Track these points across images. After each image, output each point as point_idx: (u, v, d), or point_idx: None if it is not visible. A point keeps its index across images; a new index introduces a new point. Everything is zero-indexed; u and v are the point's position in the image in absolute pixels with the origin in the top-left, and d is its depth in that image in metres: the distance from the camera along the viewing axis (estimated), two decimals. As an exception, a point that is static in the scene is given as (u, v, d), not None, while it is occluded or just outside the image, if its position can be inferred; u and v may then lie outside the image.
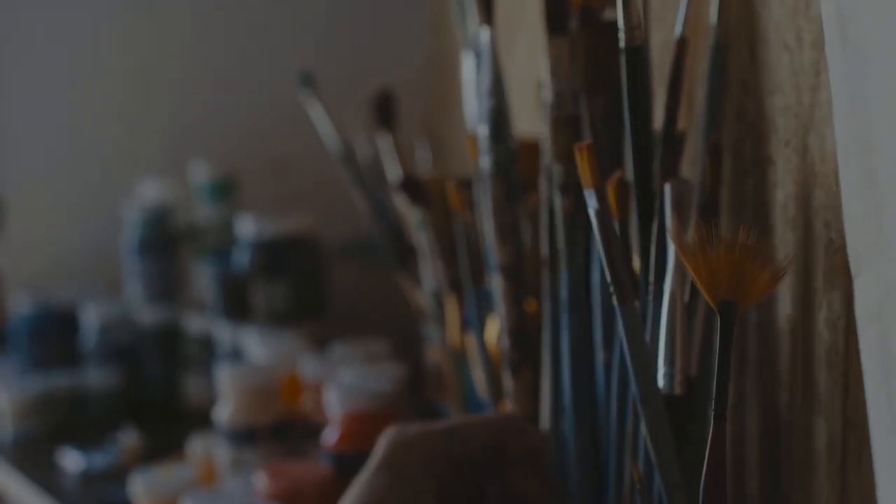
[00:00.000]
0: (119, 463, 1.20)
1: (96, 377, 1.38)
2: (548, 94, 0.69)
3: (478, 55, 0.86)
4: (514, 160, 0.74)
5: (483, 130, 0.75)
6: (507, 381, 0.74)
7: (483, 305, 0.80)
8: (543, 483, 0.62)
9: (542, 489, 0.62)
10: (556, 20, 0.68)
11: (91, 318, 1.40)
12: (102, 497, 1.15)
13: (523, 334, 0.73)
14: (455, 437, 0.62)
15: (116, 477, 1.16)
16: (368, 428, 0.93)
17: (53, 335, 1.42)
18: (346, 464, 0.93)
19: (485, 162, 0.75)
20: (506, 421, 0.65)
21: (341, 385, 0.99)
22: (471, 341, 0.81)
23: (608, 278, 0.54)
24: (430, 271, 0.93)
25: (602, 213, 0.53)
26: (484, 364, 0.78)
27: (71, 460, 1.22)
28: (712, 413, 0.48)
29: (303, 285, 1.33)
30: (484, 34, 0.75)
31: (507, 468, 0.63)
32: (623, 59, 0.60)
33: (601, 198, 0.54)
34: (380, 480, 0.61)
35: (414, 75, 1.45)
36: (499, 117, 0.74)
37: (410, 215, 0.97)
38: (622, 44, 0.60)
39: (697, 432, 0.55)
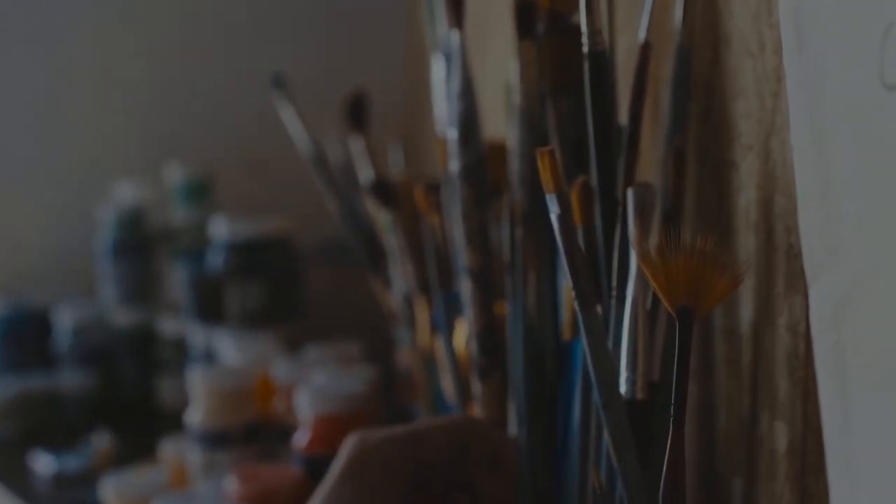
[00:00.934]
0: (91, 466, 1.19)
1: (70, 379, 1.38)
2: (516, 98, 0.69)
3: (448, 58, 0.86)
4: (482, 164, 0.74)
5: (452, 134, 0.75)
6: (476, 386, 0.74)
7: (451, 309, 0.80)
8: (509, 486, 0.62)
9: (507, 492, 0.62)
10: (525, 24, 0.68)
11: (65, 320, 1.39)
12: (74, 500, 1.15)
13: (492, 338, 0.73)
14: (418, 442, 0.62)
15: (89, 480, 1.15)
16: (340, 430, 0.92)
17: (27, 337, 1.41)
18: (318, 466, 0.93)
19: (453, 165, 0.75)
20: (469, 424, 0.65)
21: (312, 387, 0.98)
22: (439, 345, 0.81)
23: (570, 284, 0.54)
24: (400, 274, 0.93)
25: (564, 218, 0.53)
26: (452, 368, 0.78)
27: (43, 463, 1.21)
28: (671, 419, 0.48)
29: (277, 287, 1.33)
30: (454, 37, 0.75)
31: (471, 471, 0.62)
32: (586, 64, 0.61)
33: (563, 203, 0.54)
34: (343, 491, 0.60)
35: (389, 77, 1.45)
36: (468, 121, 0.74)
37: (382, 218, 0.97)
38: (585, 48, 0.61)
39: (660, 437, 0.55)
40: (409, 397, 1.09)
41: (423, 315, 0.89)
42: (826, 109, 0.45)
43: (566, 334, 0.67)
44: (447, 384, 0.80)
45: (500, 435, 0.66)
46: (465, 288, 0.75)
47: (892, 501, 0.42)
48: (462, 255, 0.75)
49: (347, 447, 0.62)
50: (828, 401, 0.45)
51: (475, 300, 0.74)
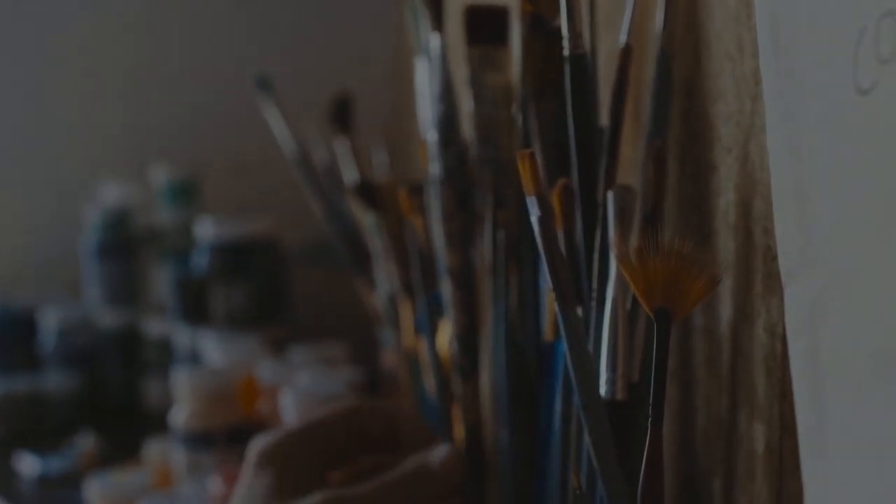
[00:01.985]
0: (76, 467, 1.20)
1: (55, 380, 1.38)
2: (470, 103, 0.70)
3: (430, 60, 0.86)
4: (463, 166, 0.74)
5: (433, 136, 0.75)
6: (458, 387, 0.75)
7: (434, 310, 0.81)
8: (405, 449, 0.64)
9: (414, 462, 0.64)
10: (473, 29, 0.69)
11: (50, 321, 1.39)
12: (58, 501, 1.15)
13: (474, 340, 0.74)
14: (315, 435, 0.64)
15: (73, 482, 1.15)
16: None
17: (11, 338, 1.41)
18: (301, 468, 0.93)
19: (434, 168, 0.75)
20: (360, 406, 0.67)
21: (297, 389, 0.99)
22: (423, 345, 0.82)
23: (550, 285, 0.54)
24: (385, 275, 0.93)
25: (544, 220, 0.54)
26: (434, 369, 0.78)
27: (27, 464, 1.21)
28: (649, 419, 0.48)
29: (262, 289, 1.33)
30: (434, 41, 0.76)
31: (372, 448, 0.65)
32: (567, 67, 0.61)
33: (543, 205, 0.54)
34: (258, 482, 0.62)
35: (375, 80, 1.46)
36: (448, 123, 0.74)
37: (366, 219, 0.97)
38: (566, 52, 0.61)
39: (640, 438, 0.55)
40: (393, 398, 1.09)
41: (406, 316, 0.89)
42: (801, 114, 0.45)
43: (548, 335, 0.68)
44: (430, 385, 0.80)
45: (392, 408, 0.67)
46: (447, 289, 0.75)
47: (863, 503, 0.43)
48: (443, 257, 0.75)
49: (250, 450, 0.65)
50: (802, 403, 0.46)
51: (456, 301, 0.74)
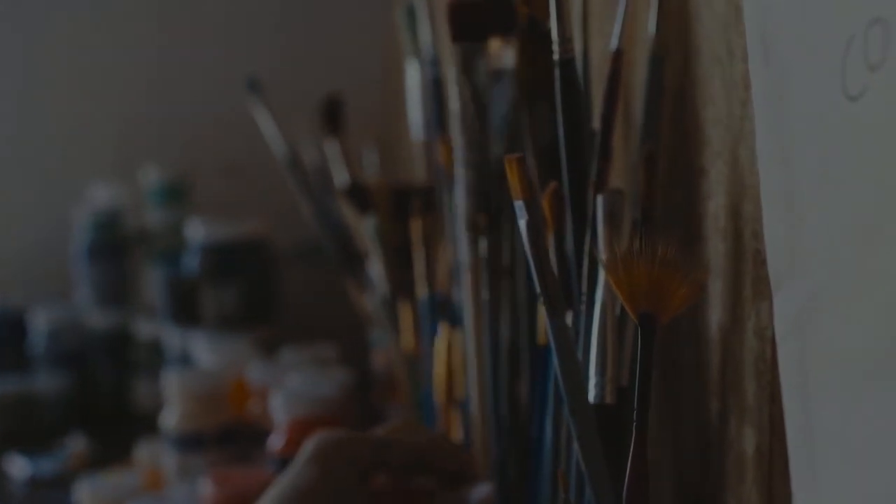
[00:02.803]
0: (66, 468, 1.20)
1: (45, 382, 1.38)
2: (455, 104, 0.70)
3: (432, 63, 0.86)
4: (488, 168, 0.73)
5: (458, 139, 0.75)
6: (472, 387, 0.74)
7: (437, 311, 0.81)
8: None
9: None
10: (458, 26, 0.69)
11: (40, 322, 1.39)
12: (49, 503, 1.15)
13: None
14: (384, 449, 0.63)
15: (64, 483, 1.15)
16: (314, 433, 0.93)
17: (1, 339, 1.41)
18: (292, 470, 0.93)
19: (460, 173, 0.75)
20: (438, 440, 0.65)
21: (288, 390, 0.99)
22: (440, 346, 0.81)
23: (538, 290, 0.54)
24: (379, 276, 0.94)
25: (532, 225, 0.54)
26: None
27: (18, 466, 1.21)
28: (634, 423, 0.49)
29: (252, 290, 1.33)
30: (456, 51, 0.75)
31: (433, 481, 0.64)
32: (557, 71, 0.61)
33: (532, 210, 0.54)
34: (305, 473, 0.61)
35: (365, 82, 1.46)
36: (474, 128, 0.74)
37: (357, 221, 0.97)
38: (556, 56, 0.61)
39: (630, 441, 0.56)
40: (385, 399, 1.09)
41: (406, 317, 0.89)
42: (790, 119, 0.46)
43: (541, 339, 0.68)
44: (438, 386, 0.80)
45: (467, 456, 0.66)
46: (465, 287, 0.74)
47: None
48: (462, 256, 0.75)
49: (314, 439, 0.63)
50: (791, 406, 0.46)
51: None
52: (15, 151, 1.51)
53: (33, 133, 1.51)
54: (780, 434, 0.54)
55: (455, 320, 0.77)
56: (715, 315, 0.61)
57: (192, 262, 1.32)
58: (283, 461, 0.98)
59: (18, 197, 1.51)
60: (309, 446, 0.63)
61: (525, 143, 0.68)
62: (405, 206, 0.88)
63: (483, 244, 0.69)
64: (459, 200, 0.71)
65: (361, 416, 1.03)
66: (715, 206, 0.61)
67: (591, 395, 0.56)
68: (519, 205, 0.54)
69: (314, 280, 1.43)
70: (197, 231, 1.32)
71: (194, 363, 1.25)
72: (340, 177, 1.00)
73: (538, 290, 0.54)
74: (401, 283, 0.91)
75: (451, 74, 0.75)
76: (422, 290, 0.85)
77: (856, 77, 0.41)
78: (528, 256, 0.54)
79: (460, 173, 0.70)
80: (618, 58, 0.63)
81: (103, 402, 1.39)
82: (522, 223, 0.54)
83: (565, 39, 0.61)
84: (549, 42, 0.63)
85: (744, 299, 0.58)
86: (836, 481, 0.43)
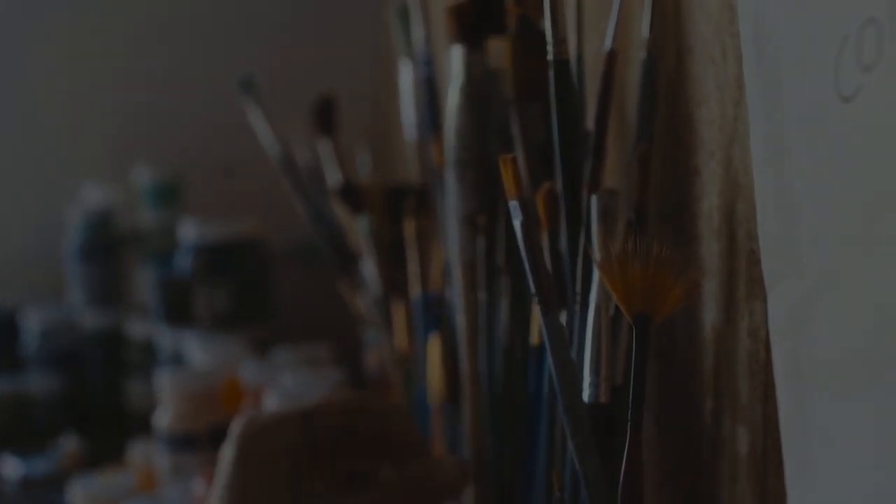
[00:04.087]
0: (59, 469, 1.20)
1: (38, 382, 1.38)
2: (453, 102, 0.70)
3: (425, 63, 0.86)
4: (483, 168, 0.73)
5: (450, 141, 0.75)
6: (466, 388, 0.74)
7: (431, 310, 0.81)
8: (396, 464, 0.61)
9: (394, 471, 0.61)
10: (462, 27, 0.69)
11: (33, 322, 1.39)
12: (42, 504, 1.15)
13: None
14: (310, 422, 0.60)
15: (57, 483, 1.15)
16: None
17: (-6, 340, 1.41)
18: (285, 470, 0.93)
19: (450, 172, 0.75)
20: (358, 401, 0.63)
21: (281, 390, 0.99)
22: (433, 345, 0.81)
23: (532, 289, 0.54)
24: (373, 276, 0.94)
25: (527, 224, 0.54)
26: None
27: (10, 466, 1.21)
28: (629, 422, 0.49)
29: (245, 290, 1.33)
30: (455, 52, 0.75)
31: (362, 453, 0.61)
32: (551, 72, 0.61)
33: (526, 209, 0.54)
34: (236, 479, 0.58)
35: (358, 81, 1.46)
36: (468, 130, 0.74)
37: (351, 221, 0.97)
38: (550, 56, 0.61)
39: (624, 441, 0.56)
40: (385, 398, 1.09)
41: (399, 317, 0.89)
42: (784, 120, 0.46)
43: (534, 339, 0.68)
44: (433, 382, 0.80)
45: (393, 409, 0.65)
46: (458, 287, 0.74)
47: (849, 504, 0.43)
48: (455, 257, 0.75)
49: (235, 430, 0.60)
50: (785, 406, 0.46)
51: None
52: (7, 151, 1.51)
53: (26, 133, 1.51)
54: (773, 433, 0.54)
55: (448, 320, 0.77)
56: (709, 315, 0.61)
57: (184, 262, 1.32)
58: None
59: (11, 197, 1.51)
60: (232, 439, 0.60)
61: (517, 143, 0.68)
62: (398, 206, 0.88)
63: (481, 243, 0.69)
64: (458, 200, 0.71)
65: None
66: (708, 206, 0.61)
67: (586, 395, 0.57)
68: (513, 204, 0.54)
69: (307, 280, 1.43)
70: (190, 231, 1.32)
71: (187, 363, 1.25)
72: (333, 176, 1.00)
73: (533, 289, 0.54)
74: (394, 283, 0.91)
75: (445, 74, 0.75)
76: (415, 290, 0.85)
77: (849, 78, 0.41)
78: (522, 256, 0.55)
79: (459, 173, 0.70)
80: (611, 58, 0.63)
81: (96, 403, 1.39)
82: (517, 223, 0.54)
83: (559, 40, 0.61)
84: (543, 42, 0.63)
85: (737, 299, 0.58)
86: (829, 481, 0.43)
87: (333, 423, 0.61)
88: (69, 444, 1.22)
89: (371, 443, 0.62)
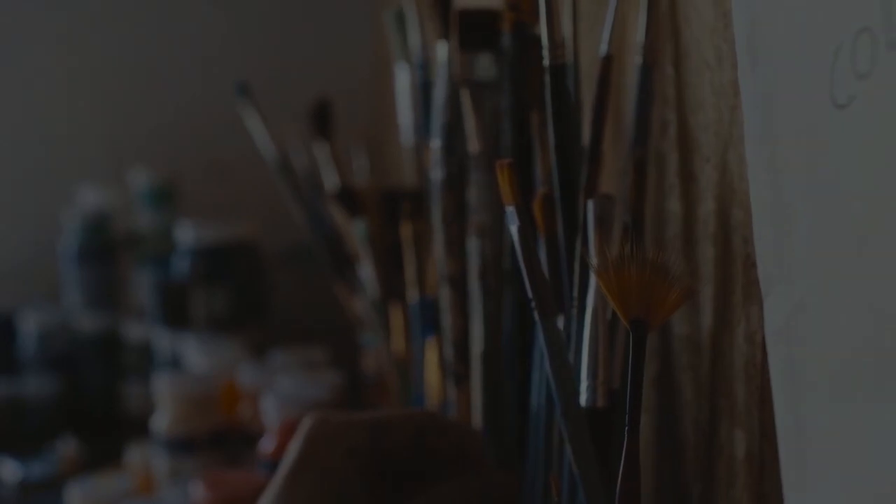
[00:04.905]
0: (57, 472, 1.20)
1: (35, 385, 1.38)
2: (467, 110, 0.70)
3: (422, 66, 0.87)
4: (464, 173, 0.74)
5: (436, 143, 0.75)
6: (451, 392, 0.75)
7: (428, 314, 0.81)
8: (463, 482, 0.60)
9: (460, 489, 0.59)
10: (467, 37, 0.69)
11: (29, 325, 1.39)
12: (39, 507, 1.15)
13: (469, 346, 0.74)
14: (379, 430, 0.58)
15: (54, 486, 1.15)
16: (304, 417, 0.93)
17: (-9, 343, 1.41)
18: (283, 473, 0.94)
19: (436, 174, 0.75)
20: (429, 417, 0.62)
21: (278, 393, 0.99)
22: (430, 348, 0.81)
23: (529, 294, 0.55)
24: (370, 279, 0.94)
25: (523, 230, 0.54)
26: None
27: (7, 470, 1.21)
28: (626, 426, 0.49)
29: (243, 292, 1.33)
30: (441, 48, 0.75)
31: (430, 462, 0.60)
32: (547, 77, 0.61)
33: (522, 215, 0.55)
34: (303, 479, 0.57)
35: (354, 85, 1.46)
36: (452, 130, 0.74)
37: (348, 224, 0.98)
38: (546, 61, 0.61)
39: (621, 445, 0.56)
40: (376, 402, 1.10)
41: (397, 321, 0.89)
42: (779, 126, 0.46)
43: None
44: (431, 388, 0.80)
45: (462, 427, 0.64)
46: (444, 295, 0.75)
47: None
48: (441, 263, 0.75)
49: (305, 429, 0.58)
50: (781, 410, 0.46)
51: (454, 307, 0.74)
52: (3, 154, 1.51)
53: (21, 135, 1.51)
54: (770, 438, 0.54)
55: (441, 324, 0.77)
56: (705, 320, 0.61)
57: (181, 265, 1.32)
58: (275, 464, 0.98)
59: (7, 199, 1.51)
60: (299, 441, 0.58)
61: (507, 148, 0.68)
62: (395, 210, 0.89)
63: (486, 247, 0.69)
64: (472, 202, 0.71)
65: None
66: (704, 211, 0.61)
67: (583, 399, 0.57)
68: (510, 210, 0.55)
69: (304, 283, 1.43)
70: (186, 234, 1.32)
71: (184, 366, 1.25)
72: (330, 180, 1.00)
73: (530, 294, 0.55)
74: (391, 287, 0.91)
75: (442, 78, 0.75)
76: (412, 294, 0.85)
77: (844, 85, 0.41)
78: (519, 261, 0.55)
79: (473, 177, 0.70)
80: (607, 63, 0.64)
81: (93, 405, 1.39)
82: (514, 228, 0.55)
83: (556, 45, 0.61)
84: (538, 47, 0.63)
85: (733, 304, 0.58)
86: (826, 485, 0.44)
87: (403, 437, 0.59)
88: (66, 448, 1.22)
89: (439, 462, 0.60)
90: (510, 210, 0.55)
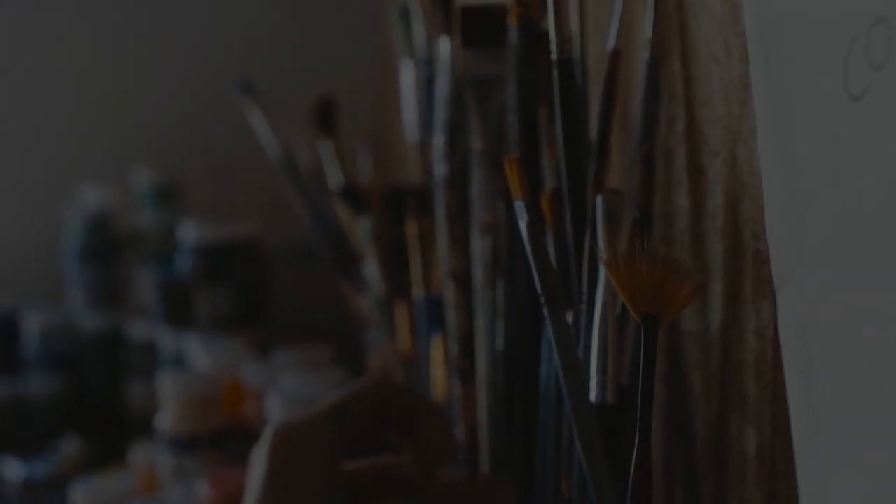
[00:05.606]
0: (60, 471, 1.19)
1: (38, 385, 1.37)
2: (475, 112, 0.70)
3: (426, 63, 0.86)
4: (468, 170, 0.74)
5: (440, 139, 0.75)
6: (456, 389, 0.74)
7: (434, 311, 0.81)
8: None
9: (432, 440, 0.58)
10: (472, 34, 0.69)
11: (32, 324, 1.39)
12: (43, 506, 1.15)
13: (474, 343, 0.73)
14: (340, 417, 0.56)
15: (57, 486, 1.15)
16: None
17: (-6, 342, 1.41)
18: (288, 471, 0.93)
19: (440, 170, 0.75)
20: (384, 385, 0.59)
21: (282, 392, 0.99)
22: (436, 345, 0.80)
23: (538, 289, 0.54)
24: (375, 278, 0.93)
25: (532, 225, 0.54)
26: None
27: (11, 469, 1.21)
28: (637, 425, 0.49)
29: (246, 291, 1.33)
30: (443, 44, 0.75)
31: (393, 432, 0.58)
32: (555, 72, 0.61)
33: (531, 210, 0.54)
34: (277, 481, 0.54)
35: (358, 82, 1.46)
36: (456, 127, 0.74)
37: (352, 222, 0.97)
38: (554, 56, 0.61)
39: (630, 441, 0.56)
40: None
41: (402, 319, 0.89)
42: (793, 119, 0.46)
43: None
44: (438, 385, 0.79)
45: (415, 395, 0.63)
46: (449, 292, 0.75)
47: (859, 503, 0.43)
48: (445, 260, 0.75)
49: (266, 440, 0.56)
50: (796, 406, 0.46)
51: (458, 304, 0.74)
52: (5, 153, 1.51)
53: (25, 135, 1.51)
54: (781, 434, 0.54)
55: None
56: (715, 315, 0.61)
57: (184, 264, 1.32)
58: (279, 463, 0.97)
59: (9, 199, 1.51)
60: (265, 451, 0.56)
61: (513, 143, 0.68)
62: (400, 207, 0.88)
63: (490, 243, 0.69)
64: (474, 198, 0.70)
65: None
66: (713, 205, 0.61)
67: (593, 395, 0.56)
68: (519, 205, 0.54)
69: (308, 281, 1.43)
70: (189, 233, 1.32)
71: (188, 365, 1.25)
72: (334, 178, 1.00)
73: (539, 289, 0.54)
74: (396, 285, 0.91)
75: (444, 74, 0.75)
76: (418, 292, 0.85)
77: (858, 77, 0.41)
78: (528, 256, 0.54)
79: (476, 174, 0.70)
80: (615, 58, 0.63)
81: (96, 405, 1.39)
82: (522, 223, 0.54)
83: (563, 39, 0.61)
84: (545, 42, 0.63)
85: (744, 299, 0.58)
86: (843, 481, 0.43)
87: (367, 409, 0.57)
88: (70, 447, 1.22)
89: (398, 428, 0.58)
90: (519, 205, 0.54)
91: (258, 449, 0.56)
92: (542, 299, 0.55)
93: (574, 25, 0.65)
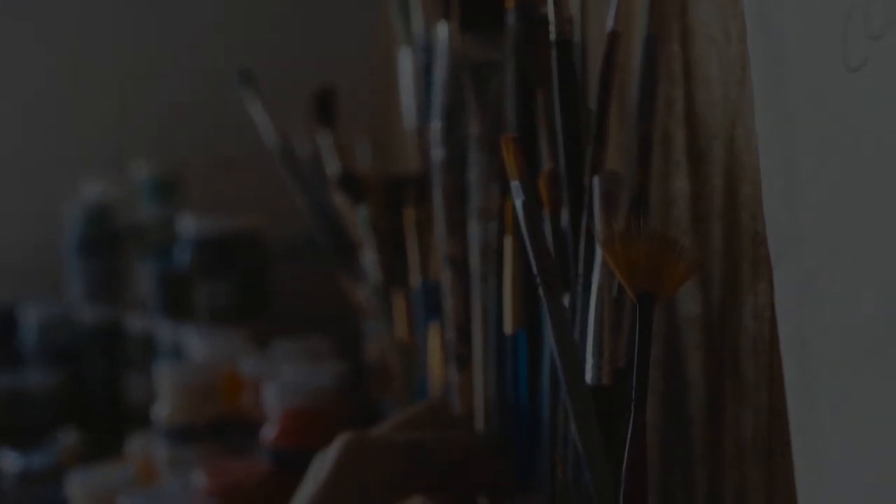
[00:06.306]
0: (58, 463, 1.19)
1: (36, 377, 1.37)
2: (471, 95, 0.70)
3: (426, 49, 0.86)
4: (466, 154, 0.73)
5: (437, 124, 0.74)
6: (453, 376, 0.74)
7: (431, 299, 0.80)
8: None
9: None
10: (470, 18, 0.68)
11: (31, 317, 1.39)
12: (40, 498, 1.14)
13: (470, 328, 0.73)
14: (420, 455, 0.57)
15: (55, 477, 1.15)
16: (308, 424, 0.93)
17: (-8, 335, 1.41)
18: (285, 460, 0.93)
19: (437, 155, 0.75)
20: (476, 443, 0.60)
21: (281, 381, 0.98)
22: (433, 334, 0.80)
23: (534, 270, 0.54)
24: (373, 266, 0.93)
25: (528, 205, 0.53)
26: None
27: (8, 461, 1.20)
28: (632, 403, 0.48)
29: (245, 283, 1.32)
30: (441, 29, 0.75)
31: (468, 493, 0.59)
32: (553, 53, 0.61)
33: (528, 190, 0.54)
34: (332, 495, 0.54)
35: (357, 72, 1.45)
36: (454, 111, 0.74)
37: (351, 211, 0.97)
38: (553, 37, 0.61)
39: (627, 423, 0.55)
40: (379, 391, 1.09)
41: (399, 307, 0.89)
42: (790, 93, 0.45)
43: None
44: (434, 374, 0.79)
45: (502, 462, 0.61)
46: (446, 278, 0.74)
47: (857, 485, 0.43)
48: (443, 245, 0.75)
49: (341, 445, 0.56)
50: (792, 386, 0.45)
51: (455, 290, 0.73)
52: (4, 146, 1.51)
53: (24, 128, 1.51)
54: (778, 415, 0.53)
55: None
56: (712, 297, 0.60)
57: (184, 257, 1.32)
58: (276, 451, 0.97)
59: (8, 192, 1.51)
60: (334, 455, 0.55)
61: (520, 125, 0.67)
62: (398, 196, 0.88)
63: (491, 228, 0.68)
64: (472, 183, 0.70)
65: (356, 408, 1.02)
66: (711, 188, 0.61)
67: (589, 377, 0.56)
68: (515, 185, 0.54)
69: (307, 273, 1.42)
70: (189, 225, 1.32)
71: (187, 357, 1.24)
72: (333, 168, 1.00)
73: (535, 270, 0.54)
74: (394, 273, 0.91)
75: (442, 58, 0.74)
76: (415, 280, 0.84)
77: (857, 47, 0.40)
78: (524, 238, 0.54)
79: (473, 159, 0.70)
80: (613, 39, 0.63)
81: (95, 397, 1.39)
82: (519, 203, 0.54)
83: (563, 21, 0.60)
84: (545, 25, 0.62)
85: (741, 281, 0.57)
86: (840, 460, 0.43)
87: (444, 460, 0.57)
88: (68, 439, 1.22)
89: (476, 487, 0.59)
90: (515, 185, 0.54)
91: (327, 452, 0.55)
92: (538, 280, 0.55)
93: (575, 11, 0.65)
